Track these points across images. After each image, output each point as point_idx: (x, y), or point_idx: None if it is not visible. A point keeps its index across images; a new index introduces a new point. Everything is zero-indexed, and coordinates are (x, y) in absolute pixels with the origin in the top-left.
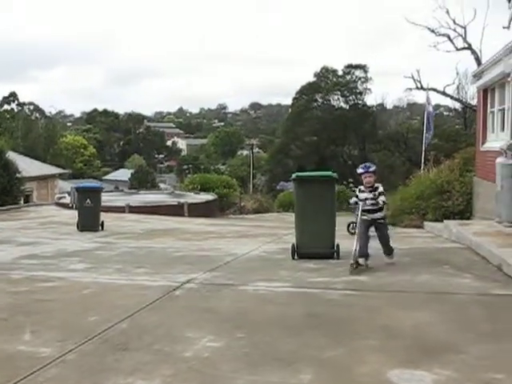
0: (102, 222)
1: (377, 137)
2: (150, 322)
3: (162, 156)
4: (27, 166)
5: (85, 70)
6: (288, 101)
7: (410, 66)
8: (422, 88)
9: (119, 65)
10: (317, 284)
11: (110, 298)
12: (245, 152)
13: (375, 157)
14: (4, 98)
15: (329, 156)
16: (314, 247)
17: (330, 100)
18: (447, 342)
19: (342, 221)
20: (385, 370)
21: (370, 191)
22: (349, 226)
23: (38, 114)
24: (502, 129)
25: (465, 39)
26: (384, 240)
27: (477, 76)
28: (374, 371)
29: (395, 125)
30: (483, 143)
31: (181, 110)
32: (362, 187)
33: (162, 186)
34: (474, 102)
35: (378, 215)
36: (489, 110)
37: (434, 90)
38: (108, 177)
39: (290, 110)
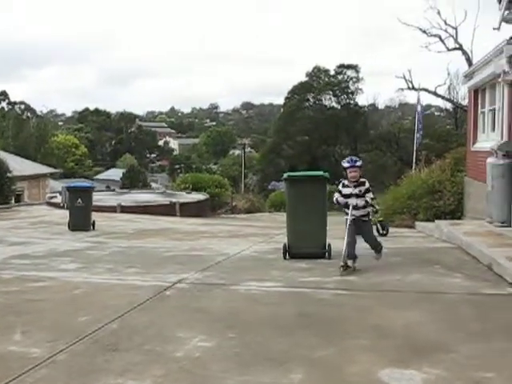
0: (94, 222)
1: (368, 137)
2: (141, 322)
3: (153, 155)
4: (18, 166)
5: (76, 70)
6: (280, 100)
7: (402, 67)
8: (413, 88)
9: (111, 64)
10: (308, 284)
11: (101, 298)
12: (236, 152)
13: (367, 157)
14: None
15: (320, 156)
16: (305, 247)
17: (321, 100)
18: (437, 341)
19: (333, 220)
20: (375, 369)
21: (355, 186)
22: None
23: (29, 113)
24: (493, 129)
25: (456, 40)
26: (369, 238)
27: (468, 76)
28: (365, 371)
29: (387, 125)
30: (474, 143)
31: (173, 109)
32: (345, 181)
33: (153, 185)
34: (465, 103)
35: (363, 212)
36: (479, 110)
37: (426, 90)
38: (99, 176)
39: (281, 109)
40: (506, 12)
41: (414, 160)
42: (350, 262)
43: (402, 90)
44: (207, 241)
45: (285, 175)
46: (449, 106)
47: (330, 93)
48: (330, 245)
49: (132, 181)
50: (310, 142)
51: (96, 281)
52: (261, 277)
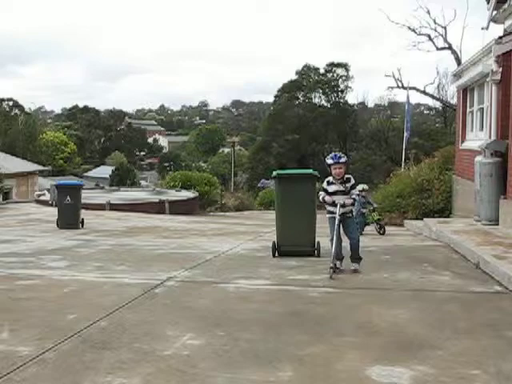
0: (82, 220)
1: (358, 135)
2: (130, 320)
3: (143, 153)
4: (6, 163)
5: (65, 67)
6: (270, 98)
7: (392, 65)
8: (402, 87)
9: (100, 61)
10: (297, 282)
11: (90, 296)
12: (226, 149)
13: (356, 155)
14: None
15: (310, 154)
16: (294, 245)
17: (311, 98)
18: (425, 338)
19: (322, 218)
20: (364, 366)
21: (341, 183)
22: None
23: (17, 110)
24: (481, 128)
25: (445, 39)
26: (354, 238)
27: (456, 76)
28: (354, 368)
29: (376, 123)
30: (462, 142)
31: (162, 107)
32: (330, 179)
33: (143, 183)
34: (453, 101)
35: (346, 209)
36: (468, 109)
37: (415, 89)
38: (89, 174)
39: (271, 107)
40: (495, 12)
41: (403, 158)
42: (338, 263)
43: (392, 88)
44: (196, 239)
45: (274, 173)
46: (438, 104)
47: (320, 91)
48: (319, 242)
49: (121, 178)
50: (299, 140)
51: (85, 279)
52: (250, 275)
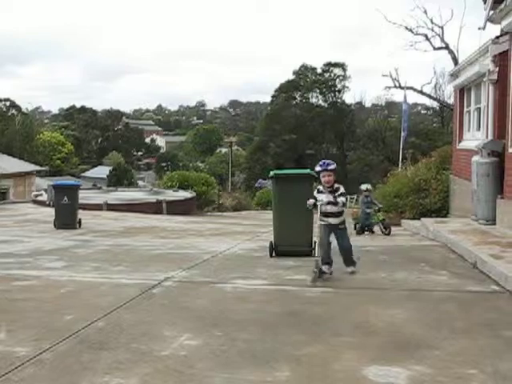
0: (80, 220)
1: (355, 135)
2: (127, 320)
3: (140, 153)
4: (3, 163)
5: (62, 67)
6: (267, 98)
7: (389, 65)
8: (399, 87)
9: (97, 62)
10: (295, 282)
11: (87, 296)
12: (224, 149)
13: (353, 155)
14: None
15: (307, 154)
16: (291, 245)
17: (308, 98)
18: (422, 338)
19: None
20: (361, 366)
21: (330, 192)
22: (362, 228)
23: (14, 111)
24: (478, 128)
25: (442, 39)
26: (345, 249)
27: (453, 75)
28: (351, 368)
29: (373, 123)
30: (460, 142)
31: (160, 107)
32: (320, 187)
33: (140, 183)
34: (451, 101)
35: (338, 220)
36: (465, 109)
37: (412, 88)
38: (86, 174)
39: (268, 107)
40: (491, 12)
41: (400, 158)
42: (325, 268)
43: (389, 88)
44: (194, 239)
45: (271, 173)
46: (435, 104)
47: (317, 91)
48: (316, 242)
49: (119, 179)
50: (296, 140)
51: (82, 279)
52: (247, 275)
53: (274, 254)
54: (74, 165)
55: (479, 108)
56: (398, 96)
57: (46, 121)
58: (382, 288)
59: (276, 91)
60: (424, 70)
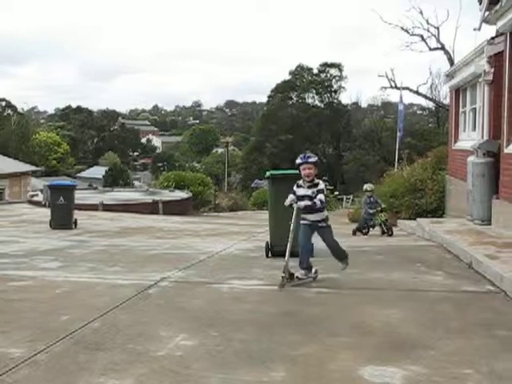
0: (76, 220)
1: (351, 135)
2: (123, 321)
3: (136, 154)
4: None
5: (58, 67)
6: (263, 99)
7: (385, 65)
8: (395, 87)
9: (93, 62)
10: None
11: (83, 297)
12: (220, 150)
13: (350, 155)
14: None
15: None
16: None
17: (304, 98)
18: (418, 338)
19: None
20: (357, 366)
21: (309, 187)
22: (360, 228)
23: (10, 111)
24: (474, 128)
25: (438, 39)
26: (331, 246)
27: (449, 76)
28: (346, 368)
29: (369, 123)
30: (455, 142)
31: (156, 107)
32: (300, 182)
33: (136, 183)
34: (446, 102)
35: (318, 217)
36: (461, 109)
37: (408, 89)
38: (82, 174)
39: (265, 107)
40: (487, 13)
41: (396, 158)
42: (301, 273)
43: (385, 88)
44: (190, 239)
45: (267, 173)
46: (431, 105)
47: (313, 91)
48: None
49: (115, 179)
50: (292, 140)
51: (78, 280)
52: (243, 275)
53: (270, 255)
54: (70, 165)
55: (475, 108)
56: (394, 96)
57: (41, 121)
58: (378, 288)
59: (272, 91)
60: (420, 70)
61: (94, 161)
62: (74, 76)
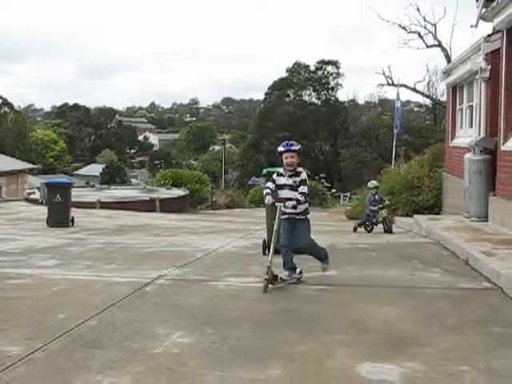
0: (73, 218)
1: (348, 132)
2: (120, 318)
3: (133, 151)
4: None
5: (54, 64)
6: (260, 96)
7: (382, 62)
8: (392, 84)
9: (90, 59)
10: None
11: (80, 294)
12: (217, 147)
13: (347, 152)
14: None
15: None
16: None
17: (301, 95)
18: (415, 335)
19: (313, 216)
20: (354, 363)
21: (290, 176)
22: (361, 224)
23: (6, 108)
24: (471, 125)
25: (435, 36)
26: (303, 241)
27: (446, 73)
28: (344, 365)
29: (367, 120)
30: (452, 139)
31: (153, 104)
32: (281, 170)
33: (133, 181)
34: (443, 99)
35: (298, 209)
36: (458, 106)
37: (405, 86)
38: (79, 172)
39: (262, 105)
40: (484, 10)
41: (393, 156)
42: (285, 275)
43: (382, 85)
44: (187, 237)
45: (264, 171)
46: (428, 102)
47: (310, 88)
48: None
49: (112, 176)
50: (290, 137)
51: (75, 277)
52: (240, 272)
53: (267, 252)
54: (67, 163)
55: (471, 106)
56: (391, 93)
57: (38, 118)
58: (374, 285)
59: (269, 89)
60: (417, 67)
61: (91, 158)
62: (71, 73)
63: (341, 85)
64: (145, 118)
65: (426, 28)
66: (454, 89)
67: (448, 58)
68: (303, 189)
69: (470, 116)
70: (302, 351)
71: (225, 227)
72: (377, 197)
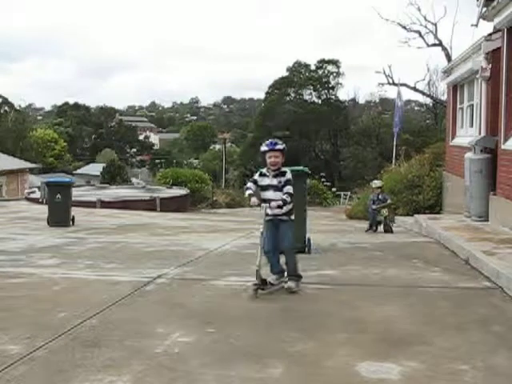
0: (73, 217)
1: (349, 131)
2: (121, 317)
3: (134, 150)
4: None
5: (55, 63)
6: (261, 95)
7: (382, 61)
8: (393, 83)
9: (91, 58)
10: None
11: (81, 293)
12: (217, 146)
13: (347, 151)
14: None
15: (301, 150)
16: None
17: (302, 94)
18: (415, 334)
19: (313, 215)
20: (354, 362)
21: (275, 176)
22: (372, 226)
23: (7, 107)
24: (471, 124)
25: (435, 36)
26: (285, 245)
27: (447, 72)
28: (343, 364)
29: (367, 119)
30: (453, 138)
31: (153, 103)
32: (263, 170)
33: (134, 180)
34: (444, 98)
35: (282, 210)
36: (458, 105)
37: (405, 85)
38: (79, 171)
39: (262, 104)
40: (484, 9)
41: (393, 155)
42: (273, 279)
43: (382, 85)
44: (187, 236)
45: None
46: (428, 101)
47: (311, 87)
48: (309, 239)
49: (112, 176)
50: (290, 136)
51: (75, 277)
52: (241, 271)
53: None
54: (68, 162)
55: (472, 105)
56: (391, 93)
57: (39, 118)
58: (375, 285)
59: (270, 88)
60: (417, 66)
61: (92, 158)
62: (72, 72)
63: (341, 84)
64: (145, 117)
65: (426, 27)
66: (455, 88)
67: (448, 58)
68: (289, 189)
69: (471, 115)
70: (302, 350)
71: (225, 226)
72: (380, 196)
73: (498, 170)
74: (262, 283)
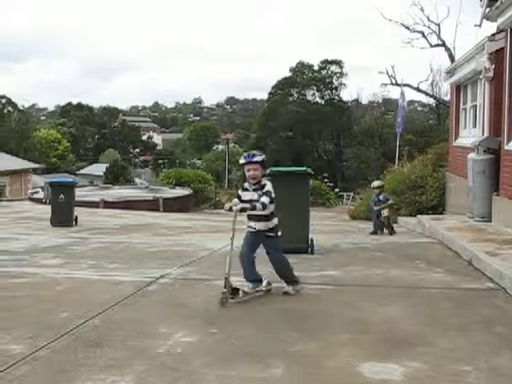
0: (76, 218)
1: (352, 132)
2: (123, 317)
3: (137, 150)
4: None
5: (58, 63)
6: (264, 95)
7: (385, 62)
8: (396, 84)
9: (94, 58)
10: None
11: (83, 293)
12: (220, 147)
13: (350, 152)
14: None
15: (304, 151)
16: (288, 242)
17: (305, 95)
18: (417, 335)
19: (316, 216)
20: (356, 363)
21: (255, 189)
22: (376, 229)
23: (10, 108)
24: (474, 125)
25: (439, 36)
26: (276, 262)
27: (450, 73)
28: (346, 364)
29: (370, 120)
30: (456, 139)
31: (156, 104)
32: (246, 184)
33: (137, 180)
34: (447, 98)
35: (264, 226)
36: (461, 106)
37: (409, 85)
38: (82, 171)
39: (265, 104)
40: (487, 9)
41: (396, 155)
42: (249, 287)
43: (385, 85)
44: (190, 236)
45: (267, 171)
46: (431, 101)
47: (314, 88)
48: (312, 240)
49: (115, 176)
50: (293, 137)
51: (78, 277)
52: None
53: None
54: (71, 162)
55: (475, 105)
56: (394, 93)
57: (42, 118)
58: (377, 285)
59: (273, 88)
60: (421, 67)
61: (95, 158)
62: (75, 73)
63: (344, 84)
64: (148, 117)
65: (429, 28)
66: (458, 88)
67: (452, 58)
68: (263, 199)
69: (474, 116)
70: (304, 350)
71: (228, 227)
72: (381, 197)
73: (501, 170)
74: (233, 292)
